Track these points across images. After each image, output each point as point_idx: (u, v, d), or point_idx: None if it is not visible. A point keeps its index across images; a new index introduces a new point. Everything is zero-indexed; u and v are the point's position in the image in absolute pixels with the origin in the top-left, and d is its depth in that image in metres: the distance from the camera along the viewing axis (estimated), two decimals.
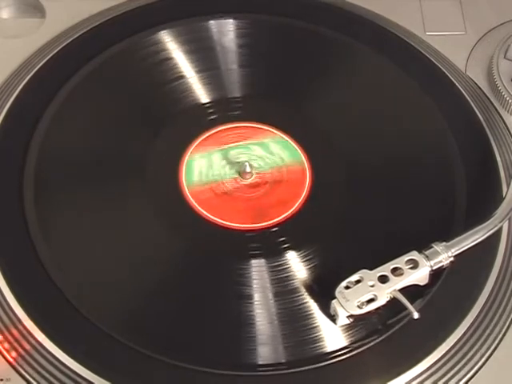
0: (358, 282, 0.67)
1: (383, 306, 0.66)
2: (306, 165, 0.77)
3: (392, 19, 0.88)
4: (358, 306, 0.66)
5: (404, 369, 0.65)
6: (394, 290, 0.66)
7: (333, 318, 0.67)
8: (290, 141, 0.78)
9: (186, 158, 0.77)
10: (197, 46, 0.84)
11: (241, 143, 0.78)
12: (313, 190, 0.76)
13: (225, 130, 0.79)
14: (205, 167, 0.77)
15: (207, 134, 0.79)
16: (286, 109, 0.81)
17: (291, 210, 0.74)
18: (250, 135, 0.79)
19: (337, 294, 0.66)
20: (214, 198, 0.75)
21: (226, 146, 0.78)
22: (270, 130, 0.79)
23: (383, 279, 0.67)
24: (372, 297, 0.66)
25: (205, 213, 0.74)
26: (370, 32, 0.86)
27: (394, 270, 0.67)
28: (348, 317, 0.67)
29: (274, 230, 0.73)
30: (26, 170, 0.74)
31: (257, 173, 0.77)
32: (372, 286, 0.66)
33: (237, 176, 0.76)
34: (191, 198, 0.75)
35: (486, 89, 0.83)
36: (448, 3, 0.90)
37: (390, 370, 0.65)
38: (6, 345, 0.66)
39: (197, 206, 0.74)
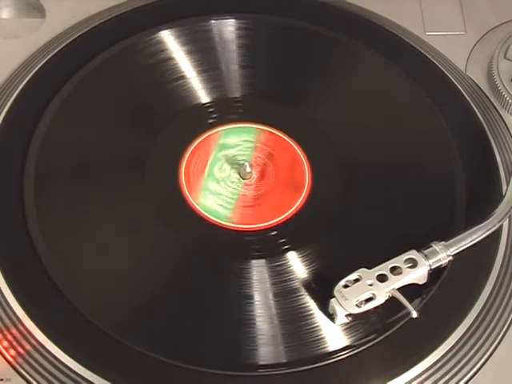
0: (356, 280, 0.67)
1: (382, 305, 0.67)
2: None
3: (392, 19, 0.88)
4: (357, 305, 0.66)
5: (404, 369, 0.65)
6: (393, 289, 0.66)
7: (331, 316, 0.67)
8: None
9: (196, 205, 0.75)
10: (197, 46, 0.84)
11: (213, 157, 0.78)
12: (313, 190, 0.76)
13: (191, 153, 0.78)
14: (218, 199, 0.75)
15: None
16: (285, 109, 0.81)
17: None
18: (208, 148, 0.78)
19: (335, 292, 0.66)
20: (251, 209, 0.75)
21: (207, 170, 0.77)
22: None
23: (382, 278, 0.67)
24: (370, 296, 0.66)
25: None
26: (370, 32, 0.86)
27: (393, 269, 0.67)
28: (347, 316, 0.67)
29: (274, 230, 0.73)
30: (26, 170, 0.74)
31: (251, 165, 0.76)
32: (371, 285, 0.66)
33: (244, 181, 0.76)
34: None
35: (486, 89, 0.83)
36: (448, 3, 0.90)
37: (390, 370, 0.65)
38: (6, 344, 0.66)
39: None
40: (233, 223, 0.73)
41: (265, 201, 0.75)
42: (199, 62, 0.83)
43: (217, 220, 0.73)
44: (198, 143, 0.78)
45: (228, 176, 0.77)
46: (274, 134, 0.79)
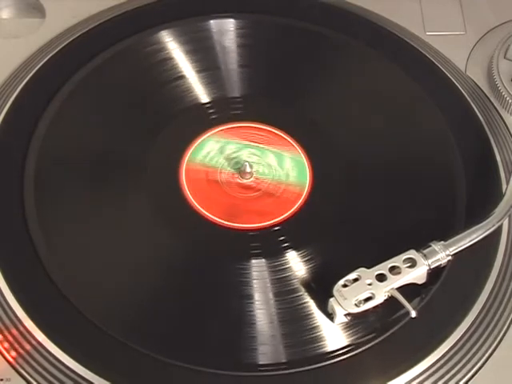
0: (355, 280, 0.67)
1: (382, 305, 0.67)
2: (306, 189, 0.76)
3: (392, 19, 0.88)
4: (356, 305, 0.66)
5: (404, 369, 0.65)
6: (392, 289, 0.66)
7: (331, 316, 0.67)
8: (305, 162, 0.77)
9: (204, 136, 0.77)
10: (197, 45, 0.84)
11: (260, 145, 0.78)
12: (313, 190, 0.76)
13: (251, 127, 0.79)
14: (214, 151, 0.77)
15: (226, 127, 0.79)
16: (285, 109, 0.81)
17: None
18: (273, 142, 0.79)
19: (334, 292, 0.66)
20: (204, 181, 0.76)
21: (246, 143, 0.78)
22: (294, 145, 0.78)
23: (381, 278, 0.67)
24: (369, 295, 0.66)
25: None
26: (370, 32, 0.86)
27: (392, 269, 0.67)
28: (345, 315, 0.67)
29: (273, 229, 0.73)
30: (26, 169, 0.74)
31: (256, 177, 0.77)
32: (370, 285, 0.66)
33: (236, 172, 0.76)
34: (184, 176, 0.75)
35: (486, 89, 0.83)
36: (448, 3, 0.90)
37: (390, 370, 0.65)
38: (6, 345, 0.66)
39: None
40: (185, 168, 0.75)
41: (214, 192, 0.75)
42: (199, 62, 0.83)
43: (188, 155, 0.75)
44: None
45: (241, 160, 0.77)
46: (302, 193, 0.76)
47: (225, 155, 0.77)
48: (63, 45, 0.84)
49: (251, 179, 0.76)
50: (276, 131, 0.79)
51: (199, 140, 0.78)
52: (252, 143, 0.78)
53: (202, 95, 0.82)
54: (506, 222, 0.73)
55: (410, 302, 0.66)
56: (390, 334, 0.67)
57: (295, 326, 0.67)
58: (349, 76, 0.83)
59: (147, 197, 0.75)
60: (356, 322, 0.67)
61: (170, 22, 0.85)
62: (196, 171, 0.76)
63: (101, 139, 0.78)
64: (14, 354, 0.66)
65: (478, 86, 0.83)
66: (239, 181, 0.76)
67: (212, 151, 0.77)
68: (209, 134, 0.78)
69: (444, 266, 0.69)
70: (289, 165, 0.77)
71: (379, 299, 0.66)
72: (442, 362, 0.66)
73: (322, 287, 0.68)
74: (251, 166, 0.76)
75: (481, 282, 0.70)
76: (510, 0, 0.90)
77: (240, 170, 0.76)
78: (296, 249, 0.72)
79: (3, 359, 0.66)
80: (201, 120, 0.80)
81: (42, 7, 0.88)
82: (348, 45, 0.84)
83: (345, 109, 0.81)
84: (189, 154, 0.77)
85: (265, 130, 0.79)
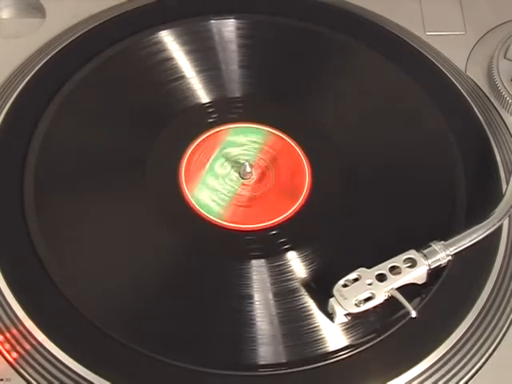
0: (355, 280, 0.67)
1: (382, 305, 0.67)
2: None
3: (392, 19, 0.88)
4: (356, 304, 0.66)
5: (404, 369, 0.65)
6: (392, 289, 0.66)
7: (331, 316, 0.67)
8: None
9: (189, 197, 0.75)
10: (197, 46, 0.84)
11: (216, 153, 0.78)
12: (312, 190, 0.76)
13: (191, 153, 0.78)
14: (212, 195, 0.76)
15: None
16: (285, 109, 0.81)
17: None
18: (214, 144, 0.78)
19: (334, 291, 0.66)
20: (243, 209, 0.75)
21: (208, 166, 0.77)
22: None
23: (381, 278, 0.67)
24: (370, 295, 0.66)
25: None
26: (370, 32, 0.86)
27: (392, 269, 0.67)
28: (346, 315, 0.67)
29: (274, 230, 0.73)
30: (26, 169, 0.74)
31: (252, 165, 0.76)
32: (370, 285, 0.66)
33: (242, 181, 0.76)
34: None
35: (486, 89, 0.83)
36: (448, 3, 0.90)
37: (390, 370, 0.65)
38: (7, 345, 0.66)
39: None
40: (223, 221, 0.73)
41: (259, 202, 0.75)
42: (199, 62, 0.83)
43: (208, 215, 0.74)
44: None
45: (227, 173, 0.77)
46: (282, 137, 0.79)
47: (220, 186, 0.76)
48: (63, 45, 0.84)
49: (254, 172, 0.76)
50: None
51: (193, 204, 0.75)
52: (211, 160, 0.77)
53: (202, 95, 0.82)
54: (506, 222, 0.73)
55: (410, 302, 0.66)
56: (390, 333, 0.67)
57: (295, 326, 0.67)
58: (349, 76, 0.83)
59: (147, 197, 0.75)
60: (356, 322, 0.67)
61: (170, 22, 0.85)
62: (233, 212, 0.75)
63: (101, 139, 0.78)
64: (14, 354, 0.66)
65: (477, 85, 0.83)
66: (252, 181, 0.76)
67: (212, 197, 0.75)
68: (188, 195, 0.76)
69: (444, 266, 0.69)
70: (243, 139, 0.78)
71: (379, 299, 0.66)
72: (442, 362, 0.66)
73: (322, 287, 0.68)
74: (251, 166, 0.76)
75: (481, 282, 0.70)
76: (510, 0, 0.90)
77: (243, 174, 0.76)
78: (296, 249, 0.72)
79: (3, 359, 0.66)
80: (201, 120, 0.80)
81: (42, 7, 0.88)
82: (348, 45, 0.84)
83: (345, 109, 0.81)
84: (211, 217, 0.74)
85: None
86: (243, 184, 0.76)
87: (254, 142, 0.79)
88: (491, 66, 0.83)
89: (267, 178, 0.77)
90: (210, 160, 0.77)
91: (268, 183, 0.76)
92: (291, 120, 0.80)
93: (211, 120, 0.80)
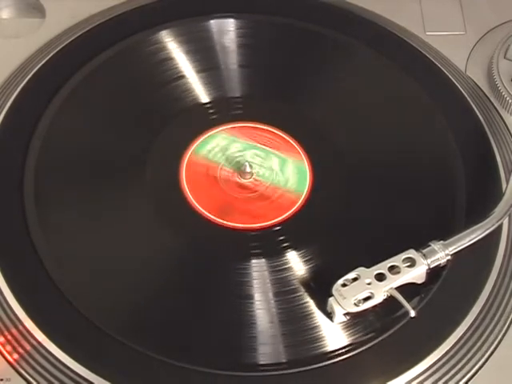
0: (355, 279, 0.67)
1: (381, 304, 0.67)
2: (303, 197, 0.76)
3: (392, 19, 0.88)
4: (355, 304, 0.66)
5: (404, 369, 0.65)
6: (391, 288, 0.66)
7: (330, 315, 0.67)
8: (308, 171, 0.77)
9: (213, 131, 0.78)
10: (197, 45, 0.84)
11: (266, 148, 0.78)
12: (312, 190, 0.76)
13: (262, 129, 0.79)
14: (219, 147, 0.77)
15: (232, 125, 0.79)
16: (286, 109, 0.81)
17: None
18: (280, 147, 0.78)
19: (333, 291, 0.66)
20: (203, 175, 0.76)
21: (253, 143, 0.78)
22: (301, 152, 0.78)
23: (380, 277, 0.67)
24: (369, 295, 0.66)
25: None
26: (370, 32, 0.86)
27: (391, 268, 0.67)
28: (345, 314, 0.67)
29: (273, 229, 0.73)
30: (26, 169, 0.74)
31: (255, 179, 0.77)
32: (369, 284, 0.66)
33: (236, 170, 0.76)
34: (184, 176, 0.76)
35: (486, 89, 0.83)
36: (448, 3, 0.90)
37: (390, 370, 0.65)
38: (7, 345, 0.66)
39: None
40: (186, 161, 0.75)
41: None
42: (199, 62, 0.83)
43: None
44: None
45: (244, 160, 0.77)
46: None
47: (228, 153, 0.77)
48: (63, 45, 0.84)
49: (250, 179, 0.76)
50: (276, 131, 0.79)
51: (207, 134, 0.78)
52: (259, 145, 0.78)
53: (202, 95, 0.82)
54: (505, 222, 0.73)
55: (409, 301, 0.66)
56: (389, 333, 0.67)
57: (295, 325, 0.67)
58: (349, 76, 0.83)
59: (147, 197, 0.75)
60: (356, 321, 0.67)
61: (170, 22, 0.85)
62: (198, 165, 0.76)
63: (101, 139, 0.78)
64: (14, 354, 0.66)
65: (477, 85, 0.83)
66: (237, 180, 0.76)
67: (217, 147, 0.77)
68: (219, 129, 0.78)
69: (444, 266, 0.68)
70: (290, 171, 0.77)
71: (378, 299, 0.66)
72: (442, 362, 0.66)
73: (321, 287, 0.68)
74: (251, 167, 0.76)
75: (481, 282, 0.70)
76: (510, 0, 0.90)
77: (240, 169, 0.76)
78: (296, 249, 0.72)
79: (3, 359, 0.66)
80: (201, 120, 0.80)
81: (42, 7, 0.88)
82: (348, 45, 0.84)
83: (345, 109, 0.81)
84: (194, 147, 0.77)
85: (266, 130, 0.79)
86: (233, 172, 0.76)
87: (287, 179, 0.77)
88: (491, 65, 0.83)
89: (244, 192, 0.76)
90: (259, 146, 0.78)
91: (237, 194, 0.76)
92: (291, 120, 0.80)
93: (211, 120, 0.80)
